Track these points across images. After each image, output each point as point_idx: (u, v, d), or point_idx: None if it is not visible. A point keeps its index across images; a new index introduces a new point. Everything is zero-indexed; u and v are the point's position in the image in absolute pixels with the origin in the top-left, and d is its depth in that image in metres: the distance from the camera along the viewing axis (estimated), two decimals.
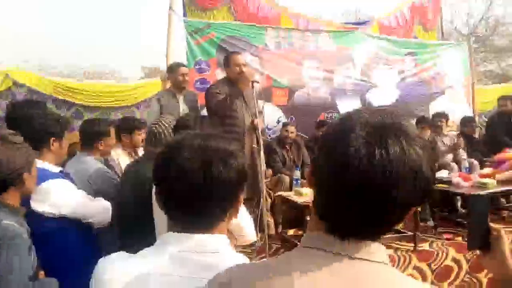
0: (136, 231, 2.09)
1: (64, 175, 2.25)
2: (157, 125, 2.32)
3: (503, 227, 1.07)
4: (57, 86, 4.64)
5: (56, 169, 2.22)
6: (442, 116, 5.52)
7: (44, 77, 4.86)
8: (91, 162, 2.59)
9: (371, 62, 6.25)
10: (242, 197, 0.97)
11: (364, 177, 0.64)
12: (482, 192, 3.83)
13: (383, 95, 6.26)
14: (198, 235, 0.90)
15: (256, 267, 0.76)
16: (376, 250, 0.70)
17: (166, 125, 2.31)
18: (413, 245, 3.69)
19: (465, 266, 3.70)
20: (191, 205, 0.89)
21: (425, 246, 3.77)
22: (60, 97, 4.61)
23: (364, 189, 0.64)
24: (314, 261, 0.69)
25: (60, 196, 2.06)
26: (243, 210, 1.92)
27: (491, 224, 1.06)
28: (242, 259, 0.96)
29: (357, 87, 6.13)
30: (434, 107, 6.31)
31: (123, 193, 2.34)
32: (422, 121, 5.25)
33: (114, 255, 0.97)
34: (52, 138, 2.19)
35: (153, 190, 1.88)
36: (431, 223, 4.26)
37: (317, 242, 0.71)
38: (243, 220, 1.68)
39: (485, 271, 3.74)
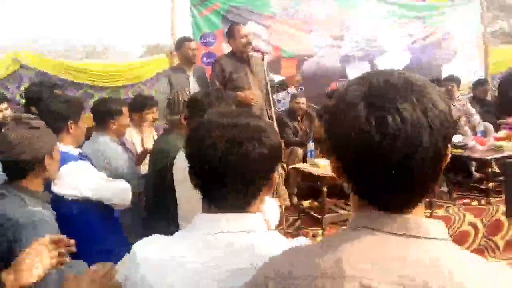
0: (157, 203, 2.13)
1: (83, 157, 2.25)
2: (175, 94, 2.42)
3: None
4: (64, 67, 4.59)
5: (76, 151, 2.24)
6: (453, 80, 5.40)
7: (52, 59, 4.81)
8: (107, 143, 2.57)
9: (379, 27, 6.10)
10: (276, 174, 0.95)
11: (383, 147, 0.61)
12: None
13: (393, 60, 6.14)
14: (233, 215, 0.90)
15: (303, 255, 0.72)
16: (430, 226, 0.66)
17: (186, 93, 2.40)
18: (429, 211, 3.69)
19: (482, 230, 3.71)
20: (225, 184, 0.88)
21: (441, 212, 3.78)
22: (69, 79, 4.56)
23: (388, 157, 0.61)
24: (363, 241, 0.66)
25: (82, 178, 2.07)
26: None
27: None
28: (278, 237, 0.95)
29: (366, 53, 6.01)
30: (446, 70, 6.18)
31: (151, 165, 2.55)
32: (436, 85, 5.12)
33: (149, 238, 0.97)
34: (70, 121, 2.19)
35: (175, 162, 1.90)
36: (444, 188, 4.24)
37: (364, 221, 0.69)
38: (267, 204, 1.68)
39: (502, 234, 3.77)
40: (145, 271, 0.89)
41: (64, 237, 1.23)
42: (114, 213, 2.30)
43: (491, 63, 6.72)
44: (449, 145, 0.66)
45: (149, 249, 0.92)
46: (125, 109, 2.74)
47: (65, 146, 2.14)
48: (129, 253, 0.95)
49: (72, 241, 1.25)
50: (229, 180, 0.88)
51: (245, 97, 3.58)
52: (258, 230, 0.91)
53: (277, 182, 3.20)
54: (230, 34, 3.82)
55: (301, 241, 0.96)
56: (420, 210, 0.68)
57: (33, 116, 1.77)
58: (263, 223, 0.94)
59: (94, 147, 2.53)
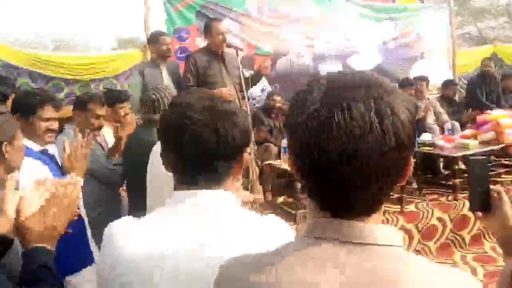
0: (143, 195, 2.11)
1: (46, 155, 2.17)
2: (155, 92, 2.35)
3: None
4: (32, 59, 4.43)
5: (37, 148, 2.13)
6: (423, 79, 5.55)
7: (19, 50, 4.63)
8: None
9: (352, 27, 6.20)
10: (246, 154, 1.01)
11: (329, 144, 0.58)
12: (477, 156, 3.93)
13: (365, 60, 6.25)
14: (207, 191, 0.92)
15: (250, 262, 0.70)
16: (378, 231, 0.63)
17: (164, 91, 2.35)
18: (399, 207, 3.79)
19: (449, 225, 3.83)
20: (201, 164, 0.92)
21: (411, 207, 3.88)
22: (37, 71, 4.41)
23: (333, 156, 0.58)
24: (307, 248, 0.64)
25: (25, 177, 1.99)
26: None
27: (492, 186, 1.07)
28: (248, 214, 0.97)
29: (339, 53, 6.09)
30: (415, 71, 6.34)
31: (127, 159, 2.51)
32: (405, 84, 5.22)
33: (123, 220, 0.97)
34: (31, 115, 2.11)
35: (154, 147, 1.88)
36: (415, 185, 4.36)
37: (314, 229, 0.66)
38: None
39: (468, 228, 3.90)
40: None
41: None
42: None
43: (458, 65, 6.95)
44: (408, 158, 0.63)
45: (125, 231, 0.92)
46: (99, 103, 2.72)
47: (27, 141, 2.05)
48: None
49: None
50: (205, 161, 0.91)
51: (222, 95, 3.57)
52: (228, 207, 0.94)
53: (252, 178, 3.18)
54: (207, 30, 3.82)
55: (273, 218, 0.99)
56: (373, 219, 0.64)
57: None
58: (234, 200, 0.97)
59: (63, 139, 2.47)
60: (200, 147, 0.90)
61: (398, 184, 0.65)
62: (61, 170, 2.24)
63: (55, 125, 2.20)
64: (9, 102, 2.45)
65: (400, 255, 0.63)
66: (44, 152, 2.17)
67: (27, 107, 2.13)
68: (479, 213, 1.08)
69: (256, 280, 0.65)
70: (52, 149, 2.29)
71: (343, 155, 0.58)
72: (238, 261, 0.71)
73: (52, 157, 2.23)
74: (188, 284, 0.84)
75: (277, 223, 0.95)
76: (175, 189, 0.95)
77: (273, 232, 0.91)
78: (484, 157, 1.64)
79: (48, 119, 2.16)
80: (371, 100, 0.59)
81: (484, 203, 1.07)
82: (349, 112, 0.58)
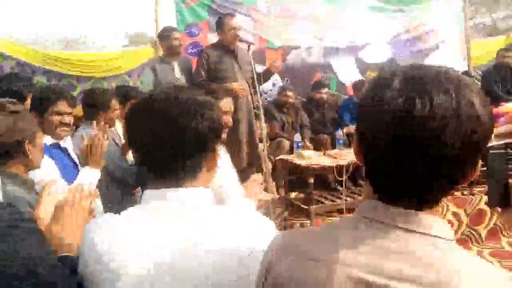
0: None
1: (59, 148, 2.21)
2: None
3: None
4: (46, 57, 4.46)
5: (49, 141, 2.16)
6: None
7: (33, 48, 4.67)
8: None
9: (363, 20, 6.12)
10: (218, 149, 0.97)
11: (408, 131, 0.58)
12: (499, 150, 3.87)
13: (377, 53, 6.19)
14: (174, 191, 0.89)
15: (300, 235, 0.74)
16: (433, 223, 0.64)
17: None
18: None
19: (465, 220, 3.78)
20: (164, 157, 0.89)
21: None
22: (52, 69, 4.44)
23: (409, 144, 0.59)
24: (361, 231, 0.66)
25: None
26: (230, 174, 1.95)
27: (511, 181, 1.05)
28: (222, 211, 0.94)
29: (350, 46, 6.03)
30: (430, 63, 6.21)
31: None
32: None
33: (107, 218, 0.94)
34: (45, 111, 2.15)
35: None
36: None
37: (368, 212, 0.68)
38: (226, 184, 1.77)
39: (484, 223, 3.85)
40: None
41: None
42: None
43: (473, 56, 6.83)
44: (478, 155, 0.63)
45: (101, 232, 0.90)
46: (114, 101, 2.73)
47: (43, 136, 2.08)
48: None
49: None
50: (168, 153, 0.88)
51: (234, 89, 3.56)
52: (202, 205, 0.91)
53: (265, 172, 3.17)
54: (219, 25, 3.84)
55: (250, 213, 0.99)
56: (431, 212, 0.66)
57: (15, 101, 1.70)
58: (208, 197, 0.94)
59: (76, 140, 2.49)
60: (160, 139, 0.87)
61: (462, 183, 0.65)
62: (75, 164, 2.27)
63: (68, 119, 2.22)
64: (28, 101, 2.47)
65: (457, 248, 0.64)
66: (55, 146, 2.20)
67: (41, 102, 2.17)
68: (498, 209, 1.07)
69: (311, 255, 0.67)
70: (65, 144, 2.31)
71: (423, 143, 0.58)
72: (295, 235, 0.74)
73: (64, 150, 2.26)
74: (182, 283, 0.83)
75: (254, 218, 0.95)
76: (148, 184, 0.93)
77: (253, 227, 0.91)
78: (502, 150, 1.61)
79: (61, 114, 2.19)
80: (451, 91, 0.59)
81: (503, 198, 1.05)
82: (430, 101, 0.58)
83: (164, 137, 0.87)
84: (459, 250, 0.64)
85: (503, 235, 3.83)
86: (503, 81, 5.73)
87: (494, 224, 3.84)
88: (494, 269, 0.64)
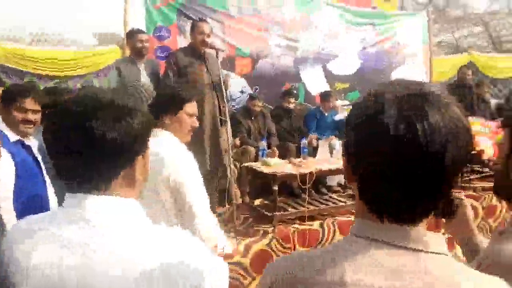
0: None
1: (18, 144, 2.19)
2: (131, 89, 2.30)
3: None
4: (6, 53, 4.29)
5: (13, 138, 2.18)
6: None
7: None
8: None
9: (332, 32, 6.25)
10: (140, 158, 0.91)
11: (409, 153, 0.61)
12: None
13: (345, 65, 6.32)
14: (95, 198, 0.86)
15: (301, 260, 0.72)
16: (432, 239, 0.66)
17: (142, 90, 2.29)
18: None
19: (481, 213, 3.98)
20: (74, 165, 0.85)
21: None
22: (10, 66, 4.27)
23: (412, 167, 0.61)
24: (364, 251, 0.66)
25: None
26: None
27: (453, 195, 1.13)
28: (142, 226, 0.87)
29: (320, 56, 6.13)
30: (395, 76, 6.44)
31: None
32: None
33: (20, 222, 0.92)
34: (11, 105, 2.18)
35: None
36: None
37: (366, 231, 0.68)
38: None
39: (495, 216, 4.05)
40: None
41: None
42: None
43: (435, 72, 7.09)
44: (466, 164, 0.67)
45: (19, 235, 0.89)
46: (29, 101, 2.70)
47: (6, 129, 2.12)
48: None
49: None
50: (76, 160, 0.84)
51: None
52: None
53: (229, 180, 3.14)
54: (191, 29, 3.83)
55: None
56: (424, 225, 0.68)
57: None
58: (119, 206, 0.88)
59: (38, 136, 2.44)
60: (70, 144, 0.83)
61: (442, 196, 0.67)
62: (37, 162, 2.23)
63: (32, 116, 2.23)
64: None
65: (453, 263, 0.66)
66: (18, 142, 2.20)
67: (9, 97, 2.21)
68: (443, 219, 1.15)
69: (320, 279, 0.66)
70: (29, 142, 2.29)
71: (420, 160, 0.61)
72: (291, 260, 0.73)
73: (27, 148, 2.26)
74: None
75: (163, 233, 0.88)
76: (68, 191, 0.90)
77: (166, 242, 0.85)
78: None
79: (26, 110, 2.20)
80: (442, 109, 0.62)
81: (447, 211, 1.13)
82: (429, 125, 0.61)
83: (73, 144, 0.82)
84: (456, 264, 0.66)
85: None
86: (464, 98, 5.96)
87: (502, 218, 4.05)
88: (493, 279, 0.66)
